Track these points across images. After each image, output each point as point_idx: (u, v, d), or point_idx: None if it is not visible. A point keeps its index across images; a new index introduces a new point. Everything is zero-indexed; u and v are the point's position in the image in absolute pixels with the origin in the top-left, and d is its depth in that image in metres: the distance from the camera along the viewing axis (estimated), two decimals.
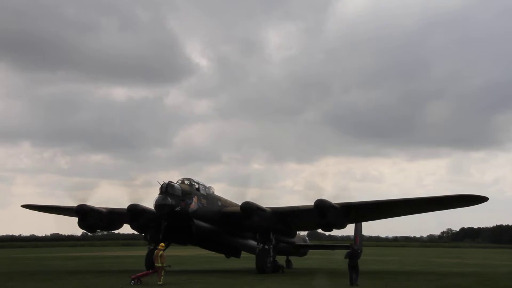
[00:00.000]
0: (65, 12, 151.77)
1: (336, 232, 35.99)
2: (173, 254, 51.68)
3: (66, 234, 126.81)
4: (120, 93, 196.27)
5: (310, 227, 37.62)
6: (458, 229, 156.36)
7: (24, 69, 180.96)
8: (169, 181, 29.49)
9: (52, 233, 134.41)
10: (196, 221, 30.60)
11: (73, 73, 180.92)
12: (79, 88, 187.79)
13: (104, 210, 34.63)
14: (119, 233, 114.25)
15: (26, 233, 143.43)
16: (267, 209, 31.41)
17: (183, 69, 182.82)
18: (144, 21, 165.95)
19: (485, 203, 30.25)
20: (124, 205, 32.74)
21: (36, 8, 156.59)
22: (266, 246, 31.85)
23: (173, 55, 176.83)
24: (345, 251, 43.03)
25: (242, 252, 37.29)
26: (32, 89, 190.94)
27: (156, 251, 25.75)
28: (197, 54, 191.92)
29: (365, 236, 49.03)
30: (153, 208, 29.94)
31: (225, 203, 33.57)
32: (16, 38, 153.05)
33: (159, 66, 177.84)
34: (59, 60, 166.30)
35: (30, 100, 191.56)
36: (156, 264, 24.74)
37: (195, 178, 31.84)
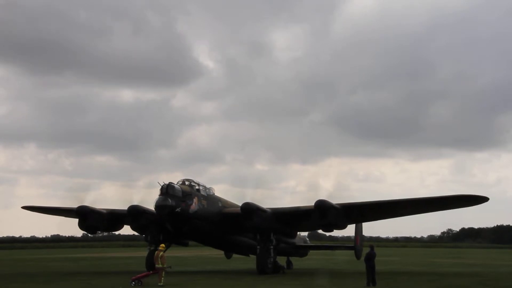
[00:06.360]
0: (75, 15, 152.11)
1: (336, 233, 36.08)
2: (173, 255, 51.69)
3: (67, 236, 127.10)
4: (127, 95, 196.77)
5: (311, 228, 37.69)
6: (458, 229, 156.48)
7: (33, 71, 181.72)
8: (169, 182, 29.56)
9: (52, 234, 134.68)
10: (194, 221, 30.67)
11: (82, 76, 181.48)
12: (88, 90, 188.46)
13: (105, 211, 34.62)
14: (119, 234, 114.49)
15: (26, 234, 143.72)
16: (268, 209, 31.42)
17: (191, 71, 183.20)
18: (153, 25, 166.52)
19: (485, 203, 30.27)
20: (125, 206, 32.75)
21: (46, 12, 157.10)
22: (267, 247, 31.86)
23: (182, 58, 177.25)
24: (345, 252, 43.34)
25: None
26: (40, 91, 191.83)
27: (156, 252, 25.79)
28: (205, 57, 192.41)
29: (365, 236, 49.00)
30: (153, 209, 30.00)
31: (226, 204, 33.61)
32: (27, 42, 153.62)
33: (167, 68, 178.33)
34: (68, 63, 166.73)
35: (38, 102, 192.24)
36: (156, 265, 24.76)
37: (196, 179, 31.91)
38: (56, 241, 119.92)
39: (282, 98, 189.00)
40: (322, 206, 29.98)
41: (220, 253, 42.64)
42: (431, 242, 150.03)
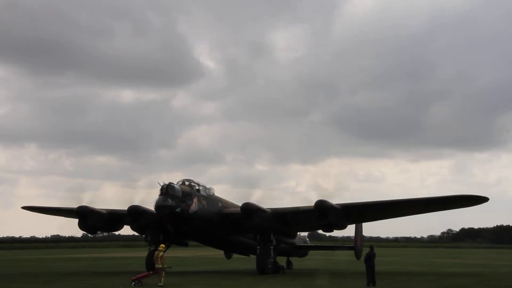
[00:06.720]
0: (76, 15, 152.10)
1: (336, 233, 36.06)
2: (173, 255, 51.70)
3: (67, 236, 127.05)
4: (128, 95, 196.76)
5: (311, 228, 37.71)
6: (458, 230, 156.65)
7: (34, 72, 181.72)
8: (169, 182, 29.56)
9: (52, 234, 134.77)
10: (194, 221, 30.70)
11: (83, 76, 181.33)
12: (88, 90, 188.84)
13: (104, 211, 34.63)
14: (119, 234, 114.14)
15: (26, 234, 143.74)
16: (268, 210, 31.43)
17: (191, 72, 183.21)
18: (154, 25, 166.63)
19: (485, 203, 30.26)
20: (125, 206, 32.74)
21: (47, 12, 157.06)
22: (267, 247, 31.87)
23: (182, 58, 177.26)
24: (345, 252, 43.33)
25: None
26: (41, 91, 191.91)
27: (156, 252, 25.80)
28: (205, 57, 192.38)
29: (365, 236, 48.99)
30: (153, 209, 30.01)
31: (226, 204, 33.62)
32: (27, 42, 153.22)
33: (168, 68, 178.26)
34: (69, 63, 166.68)
35: (38, 103, 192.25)
36: (156, 265, 24.78)
37: (196, 179, 31.91)
38: (56, 241, 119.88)
39: (282, 98, 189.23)
40: (322, 206, 29.98)
41: (220, 253, 42.66)
42: (431, 242, 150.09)
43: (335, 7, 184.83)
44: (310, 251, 44.54)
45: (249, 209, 30.64)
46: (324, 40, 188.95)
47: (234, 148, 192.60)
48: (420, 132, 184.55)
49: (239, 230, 32.92)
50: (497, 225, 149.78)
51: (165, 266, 24.61)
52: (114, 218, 35.13)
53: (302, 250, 41.43)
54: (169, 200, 28.98)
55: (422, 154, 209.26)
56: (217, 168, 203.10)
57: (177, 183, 30.48)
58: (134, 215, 32.27)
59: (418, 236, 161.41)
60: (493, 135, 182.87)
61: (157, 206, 29.08)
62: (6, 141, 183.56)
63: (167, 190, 29.15)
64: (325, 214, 30.06)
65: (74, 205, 34.53)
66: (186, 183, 31.10)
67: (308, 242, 42.97)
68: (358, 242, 40.49)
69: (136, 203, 32.26)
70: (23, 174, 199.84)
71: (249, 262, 38.74)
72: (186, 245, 36.35)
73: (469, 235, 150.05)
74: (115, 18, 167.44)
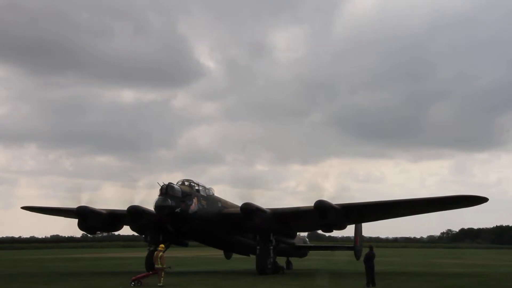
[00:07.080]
0: (76, 16, 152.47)
1: (336, 233, 36.10)
2: (173, 255, 51.69)
3: (66, 236, 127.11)
4: (128, 95, 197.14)
5: (311, 228, 37.72)
6: (458, 230, 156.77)
7: (34, 72, 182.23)
8: (169, 183, 29.57)
9: (52, 234, 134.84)
10: (193, 221, 30.71)
11: (83, 77, 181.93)
12: (88, 91, 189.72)
13: (104, 211, 34.63)
14: (119, 234, 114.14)
15: (26, 234, 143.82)
16: (267, 210, 31.44)
17: (191, 72, 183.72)
18: (154, 25, 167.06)
19: (485, 203, 30.26)
20: (125, 206, 32.72)
21: (47, 12, 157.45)
22: (266, 247, 31.86)
23: (182, 58, 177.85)
24: (345, 252, 43.35)
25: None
26: (41, 91, 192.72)
27: (156, 252, 25.81)
28: (206, 57, 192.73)
29: (365, 237, 48.98)
30: (153, 210, 30.00)
31: (225, 204, 33.62)
32: (28, 42, 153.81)
33: (168, 69, 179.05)
34: (69, 63, 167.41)
35: (39, 103, 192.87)
36: (156, 266, 24.78)
37: (196, 179, 31.91)
38: (56, 242, 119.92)
39: (282, 99, 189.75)
40: (321, 207, 29.98)
41: (220, 253, 42.67)
42: (431, 242, 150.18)
43: (335, 7, 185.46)
44: (310, 251, 44.53)
45: (249, 209, 30.64)
46: (324, 40, 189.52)
47: (234, 148, 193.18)
48: (420, 132, 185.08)
49: (238, 230, 32.92)
50: (497, 225, 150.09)
51: (164, 266, 24.61)
52: (114, 218, 35.12)
53: (302, 250, 41.42)
54: (169, 200, 28.98)
55: (422, 154, 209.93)
56: (217, 168, 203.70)
57: (177, 183, 30.48)
58: (134, 215, 32.26)
59: (418, 236, 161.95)
60: (493, 135, 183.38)
61: (157, 206, 29.08)
62: (6, 141, 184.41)
63: (166, 190, 29.16)
64: (325, 214, 30.06)
65: (74, 205, 34.51)
66: (186, 183, 31.10)
67: (308, 242, 42.95)
68: (358, 242, 40.48)
69: (136, 203, 32.26)
70: (23, 174, 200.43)
71: (249, 262, 38.73)
72: (186, 245, 36.38)
73: (469, 235, 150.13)
74: (115, 18, 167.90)
